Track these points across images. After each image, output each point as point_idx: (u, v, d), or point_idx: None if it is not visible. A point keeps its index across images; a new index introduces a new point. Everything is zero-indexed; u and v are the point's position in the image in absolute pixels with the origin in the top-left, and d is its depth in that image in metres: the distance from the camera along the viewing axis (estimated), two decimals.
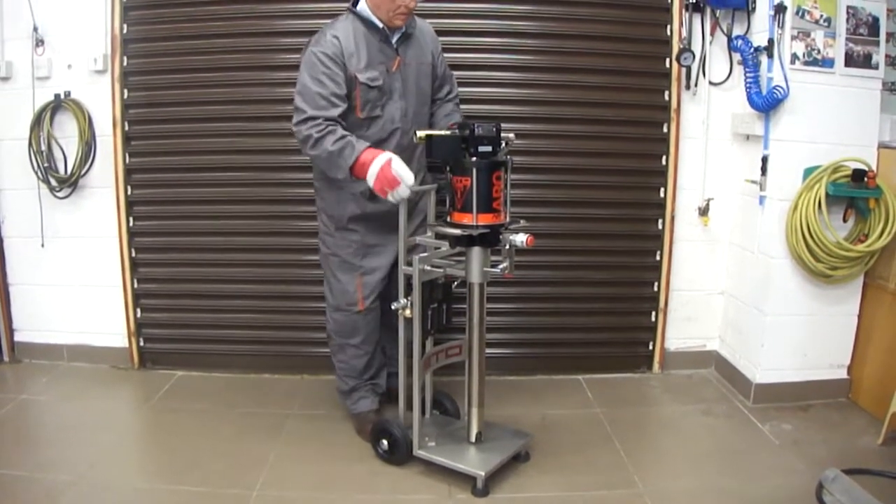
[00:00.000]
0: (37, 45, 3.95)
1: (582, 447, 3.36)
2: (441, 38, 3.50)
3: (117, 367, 4.23)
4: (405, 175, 2.89)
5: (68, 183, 4.02)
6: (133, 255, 4.13)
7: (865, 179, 3.46)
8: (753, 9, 3.75)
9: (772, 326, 3.77)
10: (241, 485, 3.00)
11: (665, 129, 4.01)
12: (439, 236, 3.06)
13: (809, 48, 3.54)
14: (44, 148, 3.97)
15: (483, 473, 2.92)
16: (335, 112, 3.01)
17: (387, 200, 2.97)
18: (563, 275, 4.14)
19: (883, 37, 3.61)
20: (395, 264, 3.30)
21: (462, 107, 3.55)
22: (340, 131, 2.98)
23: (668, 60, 3.95)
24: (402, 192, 2.91)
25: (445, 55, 3.51)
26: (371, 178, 2.92)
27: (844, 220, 3.62)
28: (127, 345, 4.21)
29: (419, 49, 3.26)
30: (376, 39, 3.11)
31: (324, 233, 3.37)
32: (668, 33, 3.93)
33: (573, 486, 3.03)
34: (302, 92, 3.05)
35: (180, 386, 4.04)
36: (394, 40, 3.16)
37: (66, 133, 4.00)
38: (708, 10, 3.86)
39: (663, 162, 4.04)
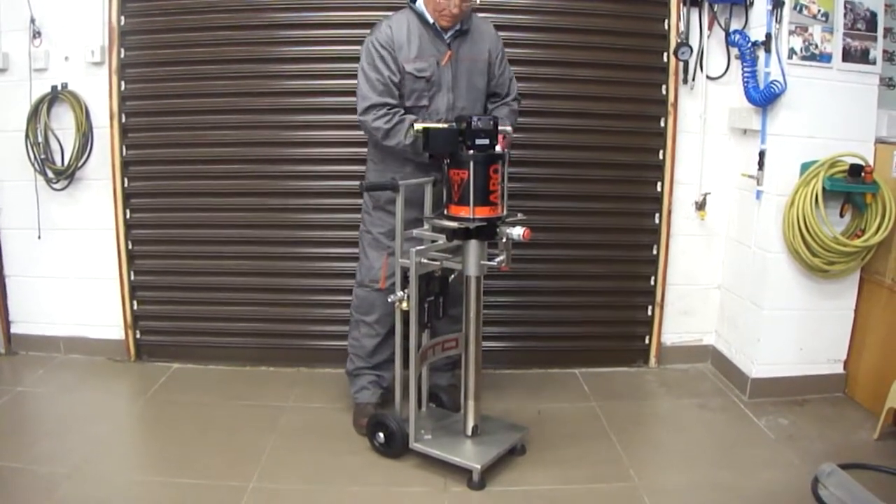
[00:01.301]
0: (34, 37, 3.93)
1: (578, 441, 3.37)
2: None
3: (114, 359, 4.22)
4: None
5: (65, 175, 4.01)
6: (130, 247, 4.13)
7: (862, 174, 3.45)
8: (751, 3, 3.75)
9: (768, 321, 3.77)
10: (237, 477, 3.00)
11: (662, 124, 4.01)
12: (436, 229, 3.06)
13: (807, 43, 3.54)
14: (41, 139, 3.96)
15: (479, 466, 2.92)
16: (394, 99, 3.18)
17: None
18: (560, 268, 4.14)
19: (881, 32, 3.61)
20: None
21: None
22: (409, 119, 3.14)
23: (665, 55, 3.95)
24: None
25: None
26: None
27: (841, 215, 3.63)
28: (123, 337, 4.21)
29: (474, 46, 3.30)
30: (429, 34, 3.20)
31: (364, 211, 3.46)
32: (666, 27, 3.93)
33: (569, 480, 3.03)
34: (363, 79, 3.19)
35: (177, 378, 4.04)
36: (447, 35, 3.22)
37: (63, 125, 3.99)
38: (706, 5, 3.86)
39: (660, 156, 4.05)
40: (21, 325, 4.29)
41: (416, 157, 3.19)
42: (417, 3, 3.20)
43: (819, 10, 3.54)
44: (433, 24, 3.18)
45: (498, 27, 3.84)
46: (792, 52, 3.54)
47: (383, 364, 3.50)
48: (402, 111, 3.17)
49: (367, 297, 3.43)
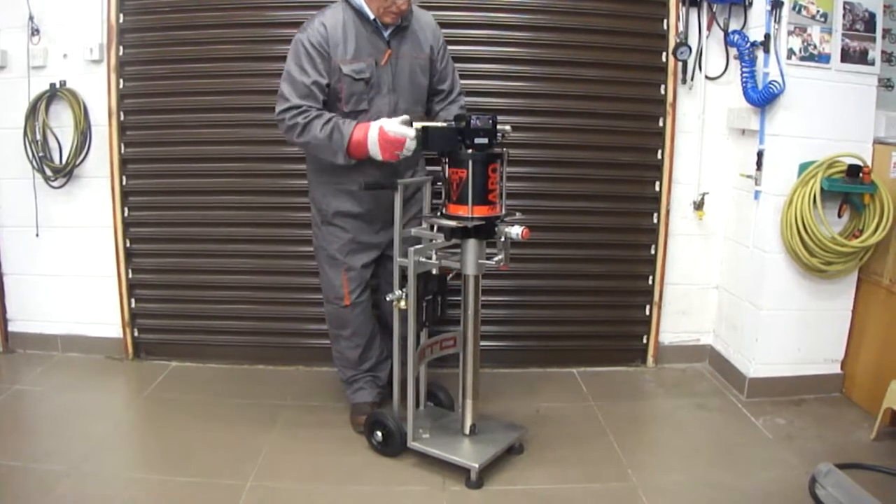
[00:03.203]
0: (32, 34, 3.93)
1: (576, 440, 3.37)
2: None
3: (111, 357, 4.22)
4: (404, 131, 2.90)
5: (63, 173, 4.01)
6: (128, 245, 4.12)
7: (860, 175, 3.46)
8: (750, 4, 3.75)
9: (766, 321, 3.78)
10: (234, 475, 3.00)
11: (661, 123, 4.02)
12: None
13: (806, 43, 3.55)
14: (39, 137, 3.96)
15: (477, 465, 2.92)
16: (317, 105, 3.03)
17: (378, 194, 3.05)
18: (558, 268, 4.14)
19: (879, 33, 3.61)
20: (379, 258, 3.36)
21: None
22: (326, 115, 3.00)
23: (664, 54, 3.96)
24: (410, 145, 2.92)
25: None
26: (375, 151, 2.95)
27: (839, 216, 3.63)
28: (121, 335, 4.21)
29: (415, 42, 3.18)
30: (367, 31, 3.05)
31: (314, 225, 3.37)
32: (665, 27, 3.93)
33: (567, 479, 3.04)
34: (286, 79, 3.03)
35: (174, 376, 4.04)
36: (386, 33, 3.08)
37: (62, 122, 3.99)
38: (705, 5, 3.86)
39: (659, 156, 4.05)
40: (19, 323, 4.29)
41: (334, 160, 3.02)
42: None
43: (818, 11, 3.54)
44: (373, 20, 3.02)
45: (496, 26, 3.88)
46: (791, 52, 3.54)
47: (375, 367, 3.50)
48: (324, 111, 3.02)
49: (337, 314, 3.37)
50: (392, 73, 3.12)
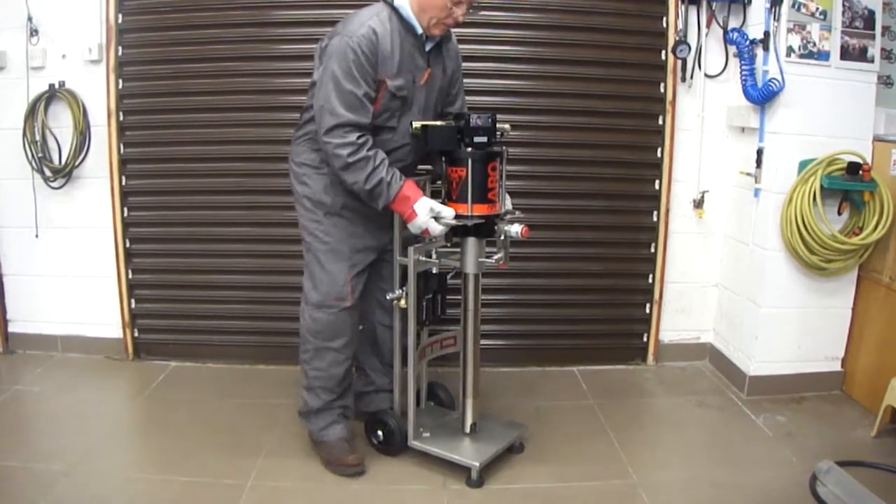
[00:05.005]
0: (31, 35, 3.92)
1: (576, 438, 3.37)
2: None
3: (111, 357, 4.22)
4: (439, 231, 2.82)
5: (63, 173, 4.01)
6: (127, 245, 4.12)
7: (860, 172, 3.45)
8: (749, 1, 3.75)
9: (766, 319, 3.78)
10: (235, 475, 3.00)
11: (660, 121, 4.02)
12: None
13: (805, 41, 3.55)
14: (38, 138, 3.95)
15: (477, 464, 2.92)
16: (367, 118, 2.76)
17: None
18: (558, 266, 4.14)
19: (878, 30, 3.61)
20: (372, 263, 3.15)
21: None
22: (373, 161, 2.73)
23: (663, 52, 3.95)
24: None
25: None
26: (414, 228, 2.84)
27: (839, 213, 3.63)
28: (121, 335, 4.21)
29: (444, 63, 3.01)
30: (409, 44, 2.82)
31: (308, 219, 3.02)
32: (664, 25, 3.93)
33: (567, 477, 3.04)
34: (333, 87, 2.71)
35: (174, 376, 4.04)
36: (428, 49, 2.89)
37: (61, 123, 3.98)
38: (704, 3, 3.86)
39: (658, 154, 4.04)
40: (19, 323, 4.29)
41: (368, 201, 2.84)
42: (399, 4, 2.79)
43: (817, 9, 3.54)
44: (420, 34, 2.82)
45: (493, 24, 3.87)
46: (790, 50, 3.54)
47: (347, 391, 3.17)
48: (372, 143, 2.77)
49: (332, 321, 3.00)
50: (426, 92, 2.94)
